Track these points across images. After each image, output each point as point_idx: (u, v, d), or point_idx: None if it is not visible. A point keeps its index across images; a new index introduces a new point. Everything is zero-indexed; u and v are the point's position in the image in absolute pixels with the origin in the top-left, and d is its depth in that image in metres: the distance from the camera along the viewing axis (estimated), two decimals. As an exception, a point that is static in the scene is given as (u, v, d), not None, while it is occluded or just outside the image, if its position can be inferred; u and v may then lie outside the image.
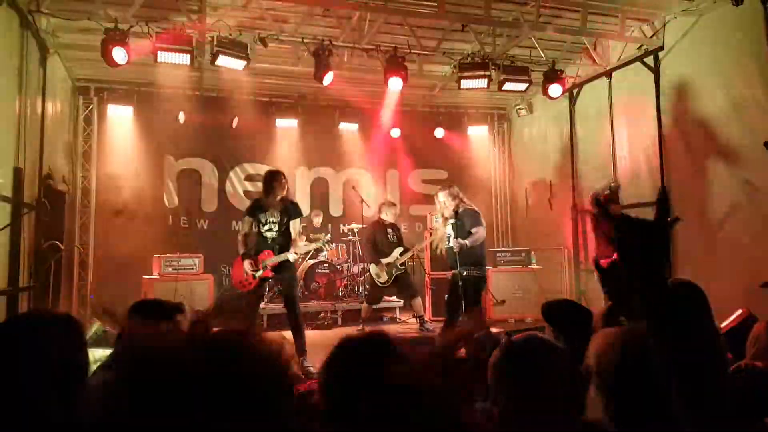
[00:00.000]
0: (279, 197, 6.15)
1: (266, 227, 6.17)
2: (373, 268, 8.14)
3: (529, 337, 1.71)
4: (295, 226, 6.21)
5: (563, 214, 9.84)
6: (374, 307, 8.50)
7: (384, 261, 8.04)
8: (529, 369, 1.57)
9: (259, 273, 6.09)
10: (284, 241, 6.16)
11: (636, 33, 7.91)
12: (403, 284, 8.24)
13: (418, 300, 8.30)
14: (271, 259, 6.08)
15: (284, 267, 6.16)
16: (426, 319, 8.52)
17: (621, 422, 1.37)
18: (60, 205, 8.29)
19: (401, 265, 8.12)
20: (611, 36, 7.93)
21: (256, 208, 6.25)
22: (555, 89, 8.36)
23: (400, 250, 8.15)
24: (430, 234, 8.42)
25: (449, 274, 6.44)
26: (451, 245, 6.08)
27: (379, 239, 8.18)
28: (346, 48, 7.93)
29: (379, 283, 8.10)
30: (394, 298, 9.24)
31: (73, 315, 1.67)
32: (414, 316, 8.53)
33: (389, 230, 8.28)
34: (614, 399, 1.37)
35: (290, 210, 6.23)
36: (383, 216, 8.29)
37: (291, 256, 6.09)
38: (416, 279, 9.75)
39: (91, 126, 9.51)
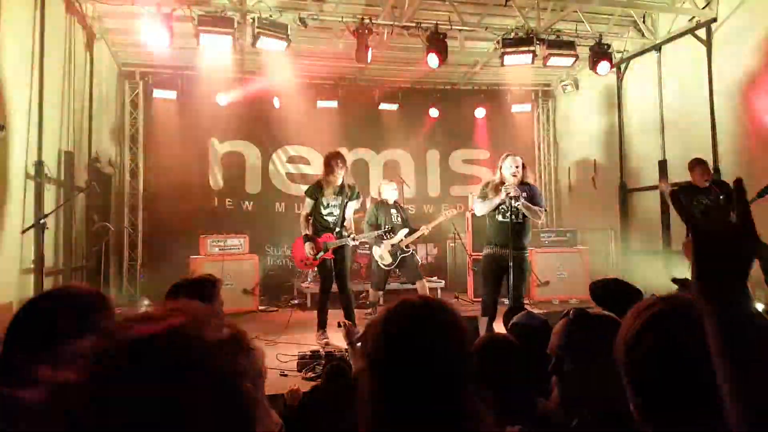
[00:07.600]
0: (340, 179, 6.16)
1: (327, 210, 6.24)
2: (376, 250, 7.64)
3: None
4: (350, 208, 6.32)
5: (609, 194, 9.60)
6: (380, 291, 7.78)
7: (388, 242, 7.52)
8: None
9: (320, 255, 6.18)
10: (343, 224, 6.29)
11: (687, 4, 7.58)
12: (407, 267, 7.70)
13: (423, 283, 7.70)
14: (333, 243, 6.19)
15: (343, 246, 6.29)
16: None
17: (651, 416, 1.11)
18: (107, 187, 8.52)
19: (407, 247, 7.61)
20: (661, 8, 7.62)
21: (317, 190, 6.29)
22: (603, 67, 8.14)
23: (405, 231, 7.63)
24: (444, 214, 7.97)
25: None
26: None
27: (383, 219, 7.59)
28: (386, 26, 7.83)
29: (383, 266, 7.57)
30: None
31: (102, 292, 1.68)
32: None
33: (393, 210, 7.67)
34: (642, 388, 1.12)
35: (349, 192, 6.28)
36: (384, 195, 7.69)
37: (351, 242, 6.26)
38: (458, 260, 9.70)
39: (137, 110, 9.71)
